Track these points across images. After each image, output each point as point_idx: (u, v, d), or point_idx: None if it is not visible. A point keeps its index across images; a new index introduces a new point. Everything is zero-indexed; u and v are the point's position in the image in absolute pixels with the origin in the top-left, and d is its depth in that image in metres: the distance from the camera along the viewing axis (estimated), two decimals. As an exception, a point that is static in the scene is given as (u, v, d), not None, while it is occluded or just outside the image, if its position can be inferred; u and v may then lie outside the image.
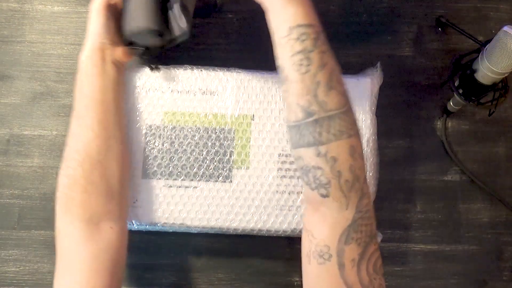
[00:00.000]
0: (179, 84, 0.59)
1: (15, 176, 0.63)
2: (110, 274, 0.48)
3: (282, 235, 0.58)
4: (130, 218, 0.57)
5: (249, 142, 0.58)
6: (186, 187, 0.58)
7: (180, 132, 0.58)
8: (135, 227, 0.58)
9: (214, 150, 0.58)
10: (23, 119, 0.64)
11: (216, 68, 0.60)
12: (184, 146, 0.58)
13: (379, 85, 0.60)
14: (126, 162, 0.54)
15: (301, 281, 0.62)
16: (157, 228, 0.59)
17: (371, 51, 0.66)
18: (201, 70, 0.59)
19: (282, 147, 0.58)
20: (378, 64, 0.61)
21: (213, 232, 0.59)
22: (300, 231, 0.58)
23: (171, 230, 0.59)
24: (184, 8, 0.51)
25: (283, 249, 0.63)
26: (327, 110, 0.43)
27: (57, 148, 0.63)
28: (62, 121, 0.64)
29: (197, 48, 0.65)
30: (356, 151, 0.44)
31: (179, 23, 0.51)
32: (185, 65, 0.60)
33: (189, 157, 0.58)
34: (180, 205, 0.58)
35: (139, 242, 0.62)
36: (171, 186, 0.58)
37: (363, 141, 0.58)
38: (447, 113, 0.64)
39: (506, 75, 0.55)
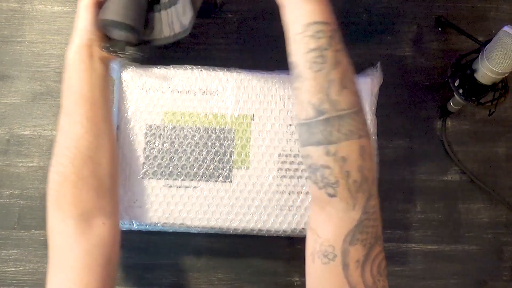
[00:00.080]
0: (179, 84, 0.59)
1: (15, 176, 0.63)
2: (104, 270, 0.48)
3: (282, 235, 0.58)
4: (130, 218, 0.57)
5: (249, 142, 0.58)
6: (186, 187, 0.58)
7: (180, 132, 0.58)
8: (135, 227, 0.58)
9: (214, 150, 0.58)
10: (23, 119, 0.64)
11: (216, 68, 0.60)
12: (184, 146, 0.58)
13: (379, 85, 0.60)
14: (116, 158, 0.54)
15: (301, 281, 0.62)
16: (157, 228, 0.59)
17: (371, 51, 0.66)
18: (201, 70, 0.59)
19: (282, 147, 0.58)
20: (378, 64, 0.61)
21: (213, 232, 0.59)
22: (300, 231, 0.58)
23: (171, 230, 0.59)
24: (192, 4, 0.51)
25: (283, 249, 0.63)
26: (339, 110, 0.43)
27: (57, 148, 0.64)
28: (62, 121, 0.64)
29: (197, 48, 0.65)
30: (365, 152, 0.44)
31: (182, 19, 0.51)
32: (185, 65, 0.60)
33: (189, 157, 0.58)
34: (180, 205, 0.58)
35: (139, 242, 0.62)
36: (171, 186, 0.58)
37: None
38: (447, 113, 0.64)
39: (506, 75, 0.55)
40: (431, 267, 0.63)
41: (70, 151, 0.49)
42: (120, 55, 0.52)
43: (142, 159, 0.58)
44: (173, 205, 0.58)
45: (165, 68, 0.60)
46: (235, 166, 0.58)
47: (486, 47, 0.54)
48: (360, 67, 0.63)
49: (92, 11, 0.51)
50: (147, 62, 0.60)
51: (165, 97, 0.59)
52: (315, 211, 0.46)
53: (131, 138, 0.58)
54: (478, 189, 0.64)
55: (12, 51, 0.65)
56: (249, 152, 0.58)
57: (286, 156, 0.58)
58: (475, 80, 0.56)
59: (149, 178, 0.58)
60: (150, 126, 0.59)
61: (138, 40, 0.53)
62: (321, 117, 0.43)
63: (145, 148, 0.58)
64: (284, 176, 0.58)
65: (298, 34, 0.44)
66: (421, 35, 0.67)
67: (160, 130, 0.58)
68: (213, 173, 0.58)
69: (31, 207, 0.62)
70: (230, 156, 0.58)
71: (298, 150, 0.58)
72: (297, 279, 0.62)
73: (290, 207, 0.58)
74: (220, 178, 0.58)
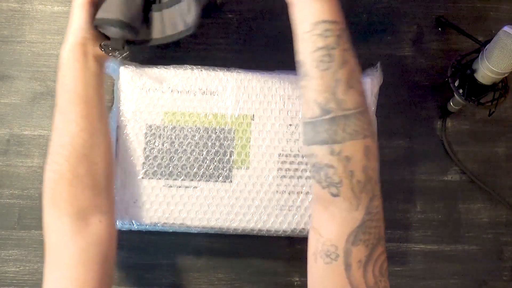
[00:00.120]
0: (179, 84, 0.59)
1: (15, 176, 0.63)
2: (101, 267, 0.48)
3: (282, 235, 0.58)
4: (130, 218, 0.57)
5: (249, 142, 0.58)
6: (186, 187, 0.58)
7: (180, 132, 0.58)
8: (135, 227, 0.58)
9: (214, 150, 0.58)
10: (23, 119, 0.64)
11: (216, 68, 0.60)
12: (184, 146, 0.58)
13: (379, 85, 0.60)
14: (111, 157, 0.54)
15: (301, 281, 0.62)
16: (157, 228, 0.59)
17: (371, 51, 0.66)
18: (201, 70, 0.59)
19: (282, 147, 0.58)
20: (378, 64, 0.61)
21: (213, 232, 0.59)
22: (300, 231, 0.58)
23: (171, 230, 0.59)
24: (197, 2, 0.51)
25: (283, 249, 0.63)
26: (345, 109, 0.43)
27: (57, 148, 0.63)
28: (62, 121, 0.64)
29: (197, 48, 0.65)
30: (370, 152, 0.44)
31: (186, 18, 0.52)
32: (185, 65, 0.60)
33: (189, 157, 0.58)
34: (180, 205, 0.58)
35: (139, 242, 0.62)
36: (171, 186, 0.58)
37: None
38: (447, 113, 0.64)
39: (506, 75, 0.55)
40: (431, 267, 0.63)
41: (65, 149, 0.49)
42: (117, 54, 0.52)
43: (142, 159, 0.58)
44: (173, 205, 0.58)
45: (165, 68, 0.60)
46: (235, 166, 0.58)
47: (486, 47, 0.54)
48: (360, 67, 0.63)
49: (86, 10, 0.51)
50: (147, 62, 0.60)
51: (165, 97, 0.59)
52: (318, 210, 0.46)
53: (131, 138, 0.58)
54: (478, 189, 0.64)
55: (12, 51, 0.65)
56: (249, 152, 0.58)
57: (286, 156, 0.58)
58: (475, 80, 0.56)
59: (149, 178, 0.58)
60: (150, 126, 0.59)
61: (138, 39, 0.53)
62: (327, 116, 0.43)
63: (145, 148, 0.58)
64: (284, 176, 0.58)
65: (306, 32, 0.44)
66: (421, 35, 0.67)
67: (160, 130, 0.58)
68: (213, 173, 0.58)
69: (31, 207, 0.62)
70: (230, 156, 0.58)
71: (298, 150, 0.58)
72: (297, 279, 0.62)
73: (290, 207, 0.58)
74: (220, 178, 0.58)
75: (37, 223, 0.62)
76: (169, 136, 0.58)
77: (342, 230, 0.43)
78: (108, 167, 0.52)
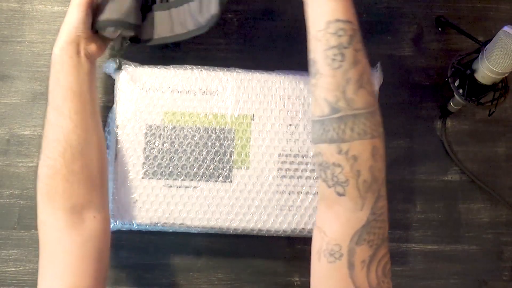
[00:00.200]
0: (179, 84, 0.59)
1: (15, 176, 0.63)
2: (96, 263, 0.48)
3: (282, 235, 0.58)
4: (130, 218, 0.57)
5: (249, 142, 0.58)
6: (186, 187, 0.58)
7: (180, 132, 0.58)
8: (135, 227, 0.58)
9: (214, 150, 0.58)
10: (23, 119, 0.64)
11: (216, 68, 0.60)
12: (184, 146, 0.58)
13: (379, 85, 0.60)
14: (104, 153, 0.54)
15: (301, 281, 0.62)
16: (157, 228, 0.59)
17: (371, 51, 0.65)
18: (201, 70, 0.59)
19: (282, 147, 0.58)
20: (378, 64, 0.61)
21: (213, 232, 0.59)
22: (300, 231, 0.58)
23: (171, 230, 0.59)
24: (220, 3, 0.51)
25: (283, 249, 0.63)
26: (354, 108, 0.43)
27: (57, 148, 0.63)
28: (62, 121, 0.64)
29: (197, 48, 0.65)
30: (378, 153, 0.44)
31: (197, 17, 0.52)
32: (185, 65, 0.60)
33: (189, 157, 0.58)
34: (180, 205, 0.58)
35: (139, 242, 0.62)
36: (171, 186, 0.58)
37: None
38: (447, 113, 0.64)
39: (506, 75, 0.55)
40: (431, 267, 0.63)
41: (60, 145, 0.49)
42: (118, 52, 0.53)
43: (142, 159, 0.58)
44: (173, 205, 0.58)
45: (165, 68, 0.60)
46: (235, 166, 0.58)
47: (486, 47, 0.54)
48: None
49: (84, 10, 0.51)
50: (147, 62, 0.60)
51: (165, 97, 0.59)
52: (323, 209, 0.46)
53: (131, 138, 0.58)
54: (478, 189, 0.64)
55: (12, 51, 0.65)
56: (249, 152, 0.58)
57: (286, 156, 0.58)
58: (475, 80, 0.56)
59: (149, 178, 0.58)
60: (150, 126, 0.58)
61: (144, 38, 0.54)
62: (336, 115, 0.43)
63: (145, 148, 0.58)
64: (284, 176, 0.58)
65: (319, 31, 0.44)
66: (421, 35, 0.67)
67: (160, 130, 0.58)
68: (213, 173, 0.58)
69: (31, 207, 0.62)
70: (230, 156, 0.58)
71: (298, 150, 0.58)
72: (297, 279, 0.62)
73: (290, 207, 0.58)
74: (220, 178, 0.58)
75: (37, 223, 0.62)
76: (169, 136, 0.58)
77: (346, 229, 0.43)
78: (101, 164, 0.53)
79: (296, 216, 0.58)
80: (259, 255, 0.62)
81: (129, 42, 0.55)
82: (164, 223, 0.58)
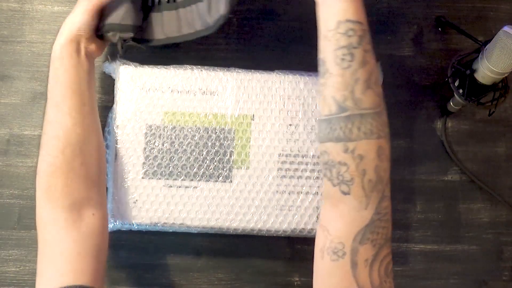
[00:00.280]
0: (179, 84, 0.59)
1: (15, 176, 0.63)
2: (95, 260, 0.48)
3: (282, 235, 0.58)
4: (130, 218, 0.57)
5: (249, 142, 0.58)
6: (186, 187, 0.58)
7: (180, 132, 0.58)
8: (135, 227, 0.58)
9: (214, 150, 0.58)
10: (23, 119, 0.64)
11: (216, 68, 0.60)
12: (184, 146, 0.58)
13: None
14: (103, 151, 0.55)
15: (302, 281, 0.62)
16: (157, 228, 0.59)
17: (371, 51, 0.66)
18: (201, 70, 0.59)
19: (282, 147, 0.58)
20: (378, 64, 0.61)
21: (213, 232, 0.59)
22: (300, 231, 0.58)
23: (171, 230, 0.59)
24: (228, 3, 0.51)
25: (283, 249, 0.63)
26: (361, 108, 0.43)
27: (57, 148, 0.63)
28: (62, 121, 0.64)
29: (197, 48, 0.65)
30: (383, 153, 0.44)
31: (206, 17, 0.52)
32: (185, 65, 0.60)
33: (189, 157, 0.58)
34: (180, 205, 0.58)
35: (139, 242, 0.62)
36: (171, 186, 0.58)
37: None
38: (447, 113, 0.64)
39: (506, 75, 0.55)
40: (431, 267, 0.63)
41: (59, 142, 0.49)
42: (121, 52, 0.53)
43: (142, 159, 0.58)
44: (173, 205, 0.58)
45: (165, 68, 0.60)
46: (235, 166, 0.58)
47: (486, 47, 0.54)
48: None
49: (90, 14, 0.52)
50: (147, 62, 0.60)
51: (165, 97, 0.59)
52: (327, 208, 0.46)
53: (131, 138, 0.58)
54: (478, 189, 0.64)
55: (12, 51, 0.65)
56: (249, 152, 0.58)
57: (286, 156, 0.58)
58: (475, 80, 0.56)
59: (149, 178, 0.58)
60: (150, 126, 0.59)
61: (146, 38, 0.55)
62: (343, 114, 0.43)
63: (145, 148, 0.58)
64: (284, 176, 0.58)
65: (330, 30, 0.45)
66: (421, 35, 0.67)
67: (160, 130, 0.58)
68: (213, 173, 0.58)
69: (31, 207, 0.62)
70: (230, 156, 0.58)
71: (298, 150, 0.58)
72: (297, 279, 0.62)
73: (290, 207, 0.58)
74: (220, 178, 0.58)
75: (37, 223, 0.62)
76: (169, 136, 0.58)
77: (350, 228, 0.44)
78: (100, 162, 0.53)
79: (296, 216, 0.58)
80: (259, 255, 0.62)
81: (135, 43, 0.55)
82: (164, 223, 0.58)
